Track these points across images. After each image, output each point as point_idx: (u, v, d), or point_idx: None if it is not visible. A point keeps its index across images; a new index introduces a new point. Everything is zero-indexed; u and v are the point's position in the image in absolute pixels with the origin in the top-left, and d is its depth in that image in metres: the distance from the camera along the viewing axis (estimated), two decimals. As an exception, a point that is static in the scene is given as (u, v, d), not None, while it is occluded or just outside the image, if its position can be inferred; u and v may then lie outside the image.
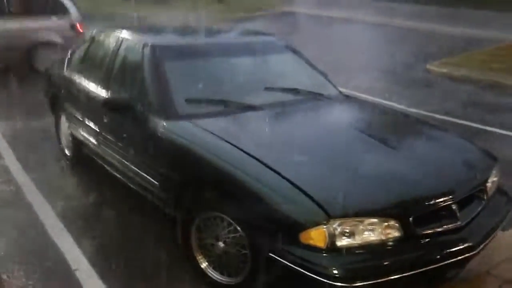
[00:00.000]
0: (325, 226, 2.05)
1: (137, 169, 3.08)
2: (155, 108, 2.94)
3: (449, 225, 2.28)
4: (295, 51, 3.84)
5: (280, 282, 2.23)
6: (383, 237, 2.13)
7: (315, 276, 2.03)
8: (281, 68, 3.71)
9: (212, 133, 2.68)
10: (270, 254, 2.17)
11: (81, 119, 3.83)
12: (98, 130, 3.53)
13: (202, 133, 2.71)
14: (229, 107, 3.00)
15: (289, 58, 3.76)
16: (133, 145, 3.14)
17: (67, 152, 4.35)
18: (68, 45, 5.46)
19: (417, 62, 9.27)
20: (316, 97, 3.39)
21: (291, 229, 2.11)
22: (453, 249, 2.23)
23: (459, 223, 2.29)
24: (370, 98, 6.00)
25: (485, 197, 2.57)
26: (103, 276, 2.70)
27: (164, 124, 2.83)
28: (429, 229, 2.23)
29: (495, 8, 15.03)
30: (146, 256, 2.91)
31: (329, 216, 2.05)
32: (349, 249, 2.08)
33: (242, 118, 2.97)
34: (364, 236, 2.11)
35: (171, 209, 2.85)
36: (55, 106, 4.50)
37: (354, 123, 3.15)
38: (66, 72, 4.24)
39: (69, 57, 4.32)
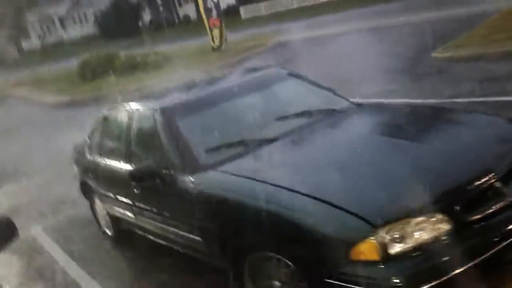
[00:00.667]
0: (373, 237, 2.01)
1: (177, 230, 3.11)
2: (179, 167, 2.99)
3: (499, 204, 2.20)
4: (297, 76, 3.89)
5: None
6: (435, 234, 2.07)
7: (377, 290, 1.98)
8: (288, 95, 3.74)
9: (238, 175, 2.71)
10: (327, 280, 2.13)
11: (113, 196, 3.92)
12: (131, 203, 3.60)
13: (230, 178, 2.74)
14: (248, 146, 3.03)
15: (293, 84, 3.81)
16: (167, 207, 3.19)
17: (108, 232, 4.43)
18: None
19: (421, 54, 9.23)
20: (329, 113, 3.39)
21: (340, 249, 2.08)
22: (510, 227, 2.14)
23: (508, 199, 2.21)
24: (385, 100, 5.96)
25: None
26: None
27: (191, 179, 2.88)
28: (479, 214, 2.15)
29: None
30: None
31: (373, 226, 2.02)
32: (404, 254, 2.02)
33: (263, 153, 2.99)
34: (415, 237, 2.05)
35: (219, 261, 2.85)
36: (87, 191, 4.63)
37: (373, 128, 3.14)
38: (88, 156, 4.38)
39: (87, 140, 4.48)
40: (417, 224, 2.07)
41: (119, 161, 3.72)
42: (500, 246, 2.10)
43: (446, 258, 2.04)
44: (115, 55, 17.37)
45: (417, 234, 2.05)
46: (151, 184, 3.18)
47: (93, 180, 4.33)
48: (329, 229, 2.12)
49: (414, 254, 2.03)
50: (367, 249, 2.02)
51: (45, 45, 43.66)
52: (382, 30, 13.73)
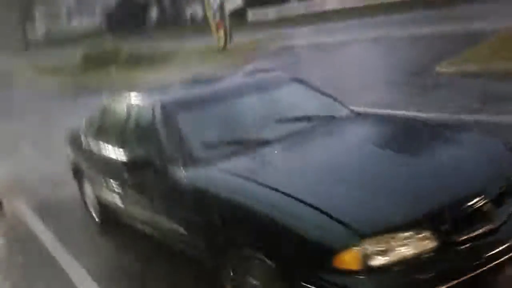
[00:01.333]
0: (356, 248, 2.01)
1: (163, 221, 3.13)
2: (173, 160, 3.00)
3: (485, 227, 2.20)
4: (300, 81, 3.89)
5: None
6: (418, 250, 2.07)
7: (355, 301, 1.97)
8: (289, 100, 3.74)
9: (230, 173, 2.72)
10: (304, 284, 2.13)
11: (103, 182, 3.93)
12: (122, 191, 3.61)
13: (221, 175, 2.75)
14: (244, 145, 3.04)
15: (295, 89, 3.81)
16: (158, 199, 3.20)
17: (94, 215, 4.43)
18: None
19: (424, 67, 9.22)
20: (328, 120, 3.40)
21: (323, 255, 2.08)
22: (493, 252, 2.14)
23: (495, 222, 2.21)
24: (388, 111, 5.95)
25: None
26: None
27: (185, 173, 2.88)
28: (465, 234, 2.15)
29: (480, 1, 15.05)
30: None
31: (359, 236, 2.02)
32: (385, 268, 2.02)
33: (258, 154, 2.99)
34: (398, 252, 2.05)
35: (201, 254, 2.86)
36: (78, 175, 4.64)
37: (369, 139, 3.14)
38: (84, 141, 4.38)
39: (85, 126, 4.48)
40: (403, 239, 2.07)
41: (114, 149, 3.73)
42: (482, 270, 2.10)
43: (426, 276, 2.04)
44: (119, 48, 17.39)
45: (401, 249, 2.05)
46: (144, 174, 3.19)
47: (85, 164, 4.34)
48: (315, 234, 2.12)
49: (395, 269, 2.03)
50: (349, 259, 2.02)
51: (50, 34, 43.75)
52: (388, 41, 13.74)
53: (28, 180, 5.98)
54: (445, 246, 2.10)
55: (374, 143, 3.00)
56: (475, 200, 2.22)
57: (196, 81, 4.42)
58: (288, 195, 2.34)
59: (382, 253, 2.03)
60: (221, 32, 17.36)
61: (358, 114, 3.64)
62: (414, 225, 2.10)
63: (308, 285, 2.11)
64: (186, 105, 3.40)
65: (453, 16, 14.50)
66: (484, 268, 2.10)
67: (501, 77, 7.62)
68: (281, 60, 13.31)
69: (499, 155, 2.75)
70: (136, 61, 16.03)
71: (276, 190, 2.41)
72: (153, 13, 40.27)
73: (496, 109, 5.95)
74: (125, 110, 3.73)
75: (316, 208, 2.19)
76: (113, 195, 3.81)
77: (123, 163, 3.22)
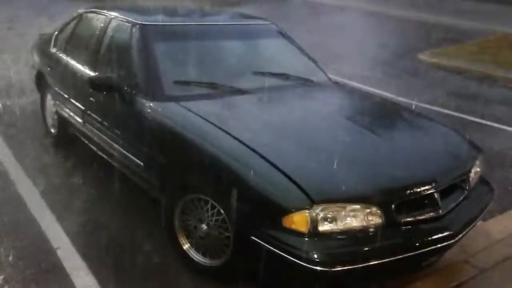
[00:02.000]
0: (307, 211, 2.05)
1: (122, 149, 3.06)
2: (142, 89, 2.91)
3: (430, 213, 2.30)
4: (286, 36, 3.81)
5: (262, 265, 2.24)
6: (365, 224, 2.14)
7: (296, 260, 2.05)
8: (272, 53, 3.68)
9: (198, 115, 2.66)
10: (252, 238, 2.18)
11: (67, 97, 3.78)
12: (83, 109, 3.49)
13: (189, 115, 2.69)
14: (217, 90, 2.98)
15: (280, 43, 3.74)
16: (118, 125, 3.12)
17: (52, 130, 4.30)
18: None
19: (409, 52, 9.29)
20: (305, 82, 3.38)
21: (274, 213, 2.12)
22: (433, 237, 2.26)
23: (440, 211, 2.32)
24: (360, 86, 6.01)
25: (467, 187, 2.59)
26: (84, 255, 2.70)
27: (151, 105, 2.81)
28: (410, 217, 2.25)
29: (497, 1, 15.09)
30: (128, 236, 2.92)
31: (312, 202, 2.06)
32: (330, 234, 2.09)
33: (230, 101, 2.96)
34: (346, 222, 2.12)
35: (155, 190, 2.85)
36: (41, 84, 4.44)
37: (341, 110, 3.16)
38: (52, 50, 4.16)
39: (56, 34, 4.24)
40: (352, 210, 2.14)
41: (83, 64, 3.57)
42: (418, 252, 2.21)
43: (367, 248, 2.13)
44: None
45: (348, 220, 2.12)
46: (108, 97, 3.09)
47: (50, 75, 4.14)
48: (270, 191, 2.14)
49: (339, 237, 2.11)
50: (298, 220, 2.07)
51: None
52: (382, 17, 13.66)
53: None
54: (390, 224, 2.19)
55: (343, 114, 3.02)
56: (426, 187, 2.31)
57: (182, 10, 4.22)
58: (251, 149, 2.33)
59: (331, 220, 2.09)
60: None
61: (335, 83, 3.64)
62: (364, 199, 2.17)
63: (257, 239, 2.16)
64: (167, 33, 3.26)
65: (455, 9, 14.51)
66: (421, 251, 2.21)
67: (475, 77, 7.81)
68: (273, 10, 13.00)
69: (458, 148, 2.84)
70: None
71: (240, 141, 2.40)
72: None
73: (462, 106, 6.13)
74: (102, 25, 3.53)
75: (276, 167, 2.21)
76: (74, 112, 3.68)
77: (89, 79, 3.08)
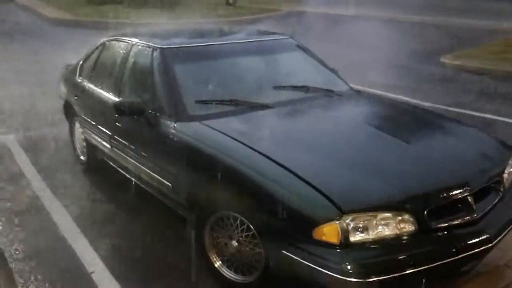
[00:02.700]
0: (337, 222, 2.03)
1: (150, 171, 3.11)
2: (165, 111, 2.96)
3: (465, 218, 2.24)
4: (304, 49, 3.83)
5: (294, 279, 2.22)
6: (397, 232, 2.10)
7: (329, 273, 2.02)
8: (291, 67, 3.70)
9: (222, 132, 2.69)
10: (284, 252, 2.16)
11: (94, 124, 3.88)
12: (110, 134, 3.57)
13: (213, 133, 2.72)
14: (239, 106, 3.00)
15: (298, 56, 3.76)
16: (145, 147, 3.17)
17: (82, 157, 4.41)
18: None
19: (431, 56, 9.17)
20: (326, 93, 3.37)
21: (304, 225, 2.10)
22: (469, 242, 2.19)
23: (475, 215, 2.26)
24: (385, 93, 5.94)
25: (502, 189, 2.52)
26: (119, 278, 2.73)
27: (175, 125, 2.85)
28: (444, 222, 2.19)
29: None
30: (161, 257, 2.93)
31: (341, 212, 2.04)
32: (362, 244, 2.06)
33: (252, 117, 2.97)
34: (378, 231, 2.08)
35: (184, 210, 2.87)
36: (69, 113, 4.57)
37: (365, 118, 3.13)
38: (78, 79, 4.30)
39: (81, 63, 4.38)
40: (383, 219, 2.10)
41: (107, 91, 3.66)
42: (454, 258, 2.14)
43: (401, 257, 2.08)
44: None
45: (380, 228, 2.09)
46: (133, 121, 3.15)
47: (77, 103, 4.27)
48: (298, 204, 2.13)
49: (372, 246, 2.07)
50: (329, 232, 2.04)
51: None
52: (401, 23, 13.57)
53: (19, 111, 5.92)
54: (424, 231, 2.14)
55: (368, 122, 2.99)
56: (459, 191, 2.25)
57: (200, 32, 4.31)
58: (277, 163, 2.33)
59: (362, 230, 2.06)
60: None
61: (357, 92, 3.62)
62: (395, 207, 2.13)
63: (288, 253, 2.14)
64: (186, 54, 3.32)
65: (474, 9, 14.32)
66: (458, 257, 2.15)
67: (501, 77, 7.62)
68: (290, 25, 13.11)
69: (489, 149, 2.77)
70: (145, 1, 15.68)
71: (264, 155, 2.40)
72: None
73: (488, 106, 5.97)
74: (124, 51, 3.63)
75: (303, 179, 2.20)
76: (102, 138, 3.76)
77: (113, 106, 3.13)
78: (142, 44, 3.48)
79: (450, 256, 2.14)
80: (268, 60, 3.60)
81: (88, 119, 4.00)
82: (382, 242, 2.08)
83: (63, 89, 4.70)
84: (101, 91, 3.77)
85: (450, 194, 2.25)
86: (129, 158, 3.37)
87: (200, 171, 2.70)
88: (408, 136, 2.77)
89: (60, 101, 4.77)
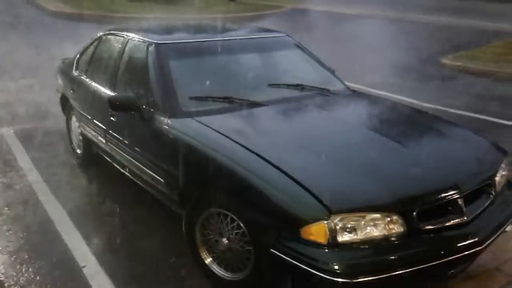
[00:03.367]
0: (325, 222, 2.03)
1: (143, 167, 3.11)
2: (159, 106, 2.96)
3: (454, 220, 2.23)
4: (301, 48, 3.81)
5: (283, 278, 2.22)
6: (386, 233, 2.10)
7: (317, 272, 2.02)
8: (287, 65, 3.69)
9: (214, 129, 2.69)
10: (272, 250, 2.16)
11: (90, 118, 3.88)
12: (105, 129, 3.58)
13: (205, 130, 2.72)
14: (233, 104, 3.00)
15: (295, 55, 3.74)
16: (138, 142, 3.17)
17: (78, 150, 4.41)
18: None
19: (431, 56, 9.13)
20: (321, 92, 3.36)
21: (292, 224, 2.10)
22: (458, 245, 2.19)
23: (464, 218, 2.25)
24: (383, 93, 5.93)
25: (493, 192, 2.51)
26: (110, 273, 2.73)
27: (168, 121, 2.85)
28: (433, 224, 2.19)
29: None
30: (153, 252, 2.94)
31: (330, 212, 2.04)
32: (350, 245, 2.06)
33: (246, 114, 2.97)
34: (366, 231, 2.08)
35: (176, 206, 2.88)
36: (66, 106, 4.57)
37: (358, 118, 3.12)
38: (74, 73, 4.30)
39: (78, 57, 4.38)
40: (372, 219, 2.10)
41: (103, 85, 3.66)
42: (443, 260, 2.14)
43: (389, 258, 2.08)
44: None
45: (368, 229, 2.08)
46: (128, 116, 3.15)
47: (73, 97, 4.27)
48: (286, 203, 2.13)
49: (360, 247, 2.07)
50: (317, 231, 2.04)
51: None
52: (403, 23, 13.53)
53: (16, 104, 5.92)
54: (413, 232, 2.13)
55: (361, 122, 2.99)
56: (449, 193, 2.24)
57: (198, 27, 4.29)
58: (267, 161, 2.33)
59: (350, 230, 2.06)
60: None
61: (353, 92, 3.61)
62: (384, 208, 2.12)
63: (276, 252, 2.14)
64: (182, 50, 3.31)
65: (476, 11, 14.27)
66: (447, 259, 2.15)
67: (503, 79, 7.60)
68: (291, 22, 13.07)
69: (481, 151, 2.76)
70: None
71: (257, 154, 2.39)
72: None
73: (489, 108, 5.96)
74: (120, 46, 3.62)
75: (292, 178, 2.19)
76: (97, 132, 3.76)
77: (108, 99, 3.13)
78: (138, 39, 3.47)
79: (438, 258, 2.14)
80: (263, 57, 3.59)
81: (84, 113, 4.00)
82: (370, 243, 2.08)
83: (60, 82, 4.70)
84: (96, 85, 3.77)
85: (440, 196, 2.24)
86: (123, 153, 3.37)
87: (192, 168, 2.69)
88: (401, 137, 2.76)
89: (57, 94, 4.77)
